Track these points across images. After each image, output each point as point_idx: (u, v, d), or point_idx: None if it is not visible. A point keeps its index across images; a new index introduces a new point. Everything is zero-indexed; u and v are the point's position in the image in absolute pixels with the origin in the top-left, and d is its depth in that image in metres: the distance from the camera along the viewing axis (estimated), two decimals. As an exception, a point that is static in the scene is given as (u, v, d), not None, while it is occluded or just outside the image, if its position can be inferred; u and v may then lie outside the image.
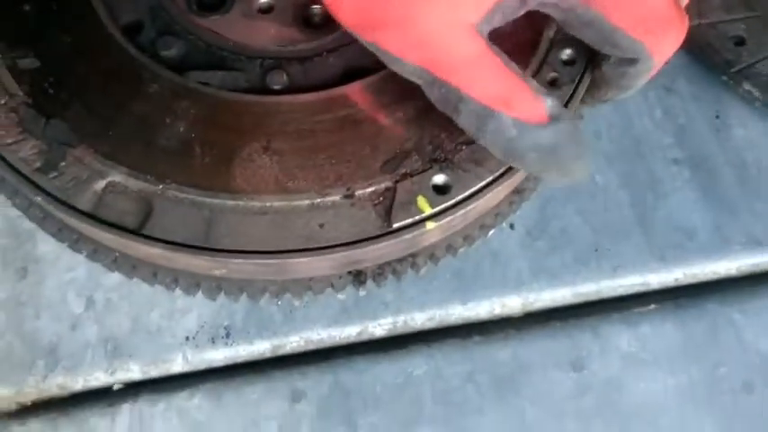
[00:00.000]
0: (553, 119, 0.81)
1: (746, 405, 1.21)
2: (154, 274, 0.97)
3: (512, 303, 1.26)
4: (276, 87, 0.99)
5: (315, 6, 1.05)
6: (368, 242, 0.86)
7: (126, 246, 0.92)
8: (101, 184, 0.86)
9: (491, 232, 1.05)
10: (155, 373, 1.18)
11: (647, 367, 1.22)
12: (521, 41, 0.95)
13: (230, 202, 0.86)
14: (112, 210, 0.85)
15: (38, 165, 0.87)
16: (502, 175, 0.91)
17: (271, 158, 0.90)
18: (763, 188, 1.36)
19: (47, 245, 1.21)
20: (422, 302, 1.24)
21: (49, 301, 1.19)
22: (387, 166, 0.90)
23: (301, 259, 0.86)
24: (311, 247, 0.85)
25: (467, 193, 0.89)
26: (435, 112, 0.87)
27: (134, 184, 0.87)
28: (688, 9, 0.92)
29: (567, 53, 0.97)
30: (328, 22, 1.01)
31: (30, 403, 1.16)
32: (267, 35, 1.04)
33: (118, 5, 1.02)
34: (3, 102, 0.90)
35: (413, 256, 1.00)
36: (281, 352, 1.21)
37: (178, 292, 0.99)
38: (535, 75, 0.95)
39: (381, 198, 0.88)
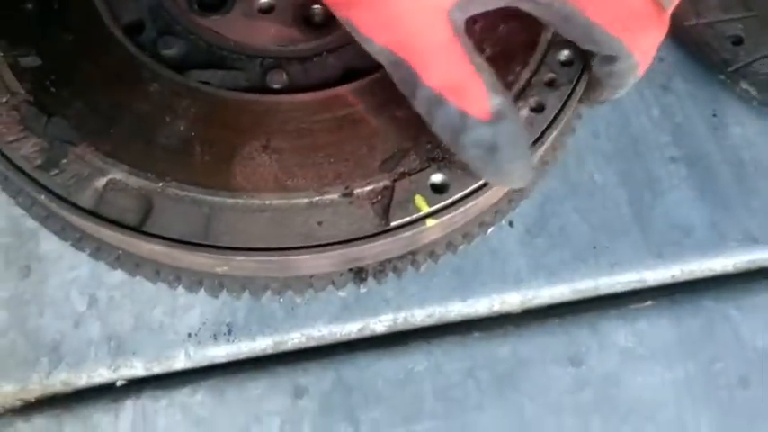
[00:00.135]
0: (496, 117, 0.81)
1: (742, 400, 1.20)
2: (156, 271, 0.97)
3: (511, 300, 1.25)
4: (276, 87, 0.99)
5: (315, 6, 1.04)
6: (366, 240, 0.86)
7: (127, 243, 0.91)
8: (102, 182, 0.86)
9: (490, 230, 1.05)
10: (157, 369, 1.17)
11: (645, 362, 1.21)
12: (519, 43, 0.95)
13: (230, 200, 0.86)
14: (113, 207, 0.85)
15: (39, 162, 0.86)
16: None
17: (270, 157, 0.89)
18: (759, 186, 1.35)
19: (50, 243, 1.20)
20: (422, 299, 1.23)
21: (52, 299, 1.19)
22: (385, 165, 0.90)
23: (300, 257, 0.85)
24: (310, 244, 0.85)
25: (464, 193, 0.89)
26: None
27: (135, 181, 0.86)
28: (679, 8, 0.91)
29: (564, 54, 0.97)
30: (328, 22, 1.02)
31: (34, 400, 1.15)
32: (267, 35, 1.03)
33: (119, 5, 1.01)
34: (4, 100, 0.89)
35: (413, 253, 0.99)
36: (282, 348, 1.21)
37: (180, 289, 0.99)
38: (533, 75, 0.95)
39: (379, 197, 0.88)
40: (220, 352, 1.19)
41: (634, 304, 1.27)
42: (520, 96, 0.94)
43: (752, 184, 1.35)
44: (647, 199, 1.33)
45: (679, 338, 1.23)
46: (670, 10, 0.87)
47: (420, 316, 1.23)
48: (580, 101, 0.99)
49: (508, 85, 0.93)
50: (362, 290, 1.04)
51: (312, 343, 1.21)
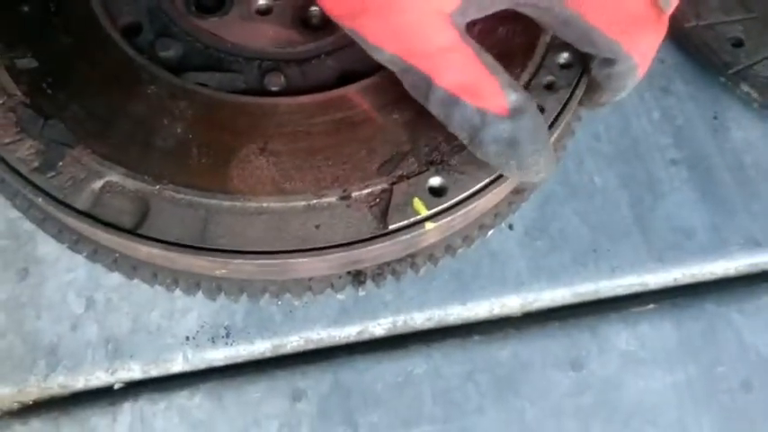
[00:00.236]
0: (514, 112, 0.82)
1: (745, 404, 1.20)
2: (154, 274, 0.97)
3: (511, 303, 1.25)
4: (274, 89, 0.99)
5: (313, 8, 1.04)
6: (363, 243, 0.86)
7: (123, 245, 0.92)
8: (98, 184, 0.86)
9: (490, 233, 1.05)
10: (155, 372, 1.17)
11: (646, 366, 1.21)
12: (518, 45, 0.96)
13: (227, 203, 0.86)
14: (110, 209, 0.85)
15: (36, 164, 0.87)
16: (498, 177, 0.91)
17: (267, 160, 0.89)
18: (761, 189, 1.35)
19: (47, 246, 1.21)
20: (421, 302, 1.23)
21: (49, 302, 1.19)
22: (383, 168, 0.90)
23: (298, 260, 0.85)
24: (307, 247, 0.85)
25: (462, 196, 0.89)
26: (431, 115, 0.88)
27: (131, 184, 0.87)
28: (679, 10, 0.91)
29: (564, 57, 0.97)
30: (326, 25, 1.02)
31: (31, 402, 1.15)
32: (265, 37, 1.04)
33: (116, 7, 1.02)
34: (1, 102, 0.90)
35: (412, 256, 1.00)
36: (281, 351, 1.21)
37: (178, 292, 0.99)
38: (532, 78, 0.96)
39: (377, 200, 0.88)
40: (218, 355, 1.19)
41: (635, 308, 1.26)
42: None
43: (753, 187, 1.35)
44: (647, 201, 1.33)
45: (680, 342, 1.23)
46: (669, 12, 0.88)
47: (419, 319, 1.23)
48: (581, 104, 0.99)
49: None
50: (361, 293, 1.04)
51: (311, 346, 1.21)
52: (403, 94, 0.90)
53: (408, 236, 0.87)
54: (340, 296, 1.09)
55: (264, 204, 0.86)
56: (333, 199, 0.88)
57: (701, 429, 1.18)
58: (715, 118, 1.42)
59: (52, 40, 0.96)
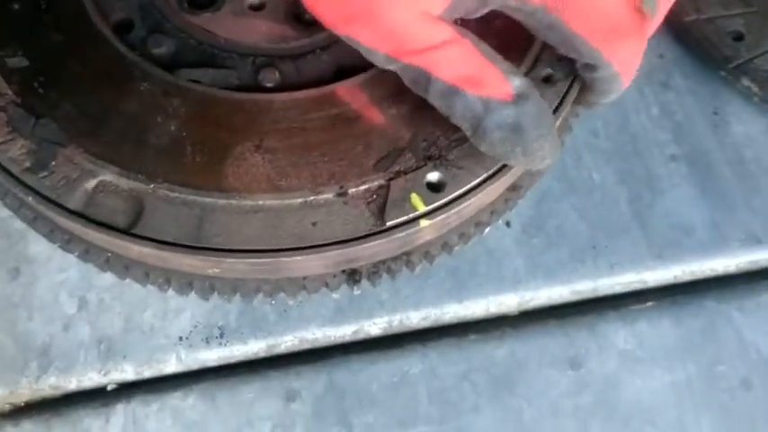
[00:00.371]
0: (518, 98, 0.84)
1: (745, 402, 1.21)
2: (146, 274, 0.97)
3: (508, 301, 1.27)
4: (268, 85, 1.00)
5: (306, 2, 1.05)
6: (361, 240, 0.87)
7: (117, 245, 0.92)
8: (91, 184, 0.87)
9: (486, 230, 1.06)
10: (148, 373, 1.19)
11: (645, 365, 1.23)
12: (515, 38, 0.96)
13: (222, 201, 0.87)
14: (103, 209, 0.86)
15: (27, 164, 0.87)
16: (497, 172, 0.91)
17: (263, 157, 0.90)
18: (761, 184, 1.37)
19: (39, 245, 1.22)
20: (417, 301, 1.24)
21: (41, 302, 1.20)
22: (380, 163, 0.90)
23: (294, 258, 0.86)
24: (304, 245, 0.86)
25: (461, 191, 0.90)
26: (429, 109, 0.89)
27: (125, 183, 0.87)
28: (678, 4, 0.93)
29: (561, 50, 0.98)
30: (319, 20, 1.03)
31: (23, 404, 1.16)
32: (258, 32, 1.04)
33: (107, 3, 1.02)
34: None
35: (407, 254, 1.00)
36: (275, 351, 1.22)
37: (171, 292, 0.99)
38: (530, 71, 0.96)
39: (375, 196, 0.89)
40: (212, 355, 1.20)
41: (634, 305, 1.28)
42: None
43: (754, 183, 1.37)
44: (646, 198, 1.34)
45: (680, 340, 1.25)
46: (655, 18, 0.89)
47: (415, 318, 1.24)
48: (577, 102, 1.00)
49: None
50: (356, 292, 1.05)
51: (305, 346, 1.23)
52: (399, 89, 0.91)
53: (404, 233, 0.87)
54: (335, 295, 1.10)
55: (260, 202, 0.87)
56: (329, 196, 0.88)
57: (700, 428, 1.19)
58: (715, 113, 1.43)
59: (43, 37, 0.96)
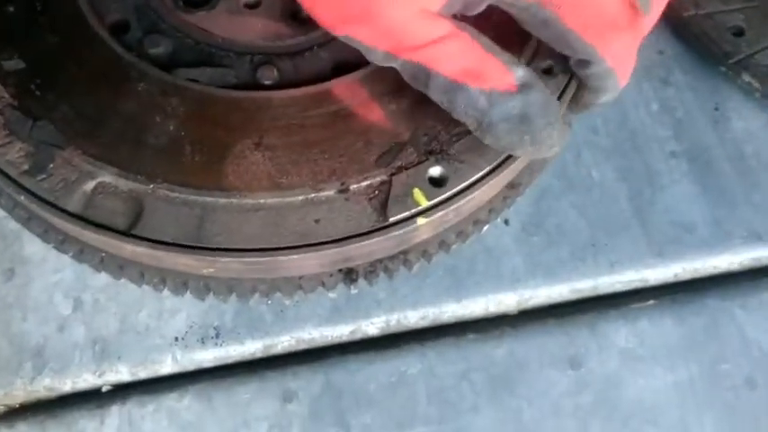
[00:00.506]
0: (523, 88, 0.87)
1: (749, 401, 1.23)
2: (141, 274, 0.99)
3: (507, 300, 1.29)
4: (267, 83, 1.02)
5: (301, 0, 1.07)
6: (364, 237, 0.89)
7: (117, 247, 0.94)
8: (90, 185, 0.89)
9: (485, 228, 1.08)
10: (144, 374, 1.21)
11: (646, 364, 1.25)
12: (515, 29, 0.96)
13: (222, 200, 0.89)
14: (102, 211, 0.88)
15: (26, 167, 0.89)
16: (499, 165, 0.93)
17: (263, 154, 0.92)
18: (762, 179, 1.39)
19: (33, 246, 1.23)
20: (415, 300, 1.26)
21: (36, 303, 1.22)
22: (381, 159, 0.92)
23: (296, 255, 0.88)
24: (307, 243, 0.88)
25: (464, 185, 0.92)
26: (430, 103, 0.91)
27: (124, 184, 0.89)
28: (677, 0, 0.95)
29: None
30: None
31: (17, 405, 1.18)
32: (254, 30, 1.06)
33: (103, 4, 1.04)
34: None
35: (405, 253, 1.02)
36: (272, 352, 1.24)
37: (166, 292, 1.01)
38: (529, 63, 0.98)
39: (376, 192, 0.91)
40: (208, 356, 1.22)
41: (635, 304, 1.30)
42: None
43: (754, 179, 1.39)
44: (646, 195, 1.37)
45: (682, 339, 1.27)
46: (650, 15, 0.92)
47: (413, 318, 1.27)
48: (574, 104, 1.02)
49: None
50: (353, 291, 1.08)
51: (302, 346, 1.25)
52: (398, 84, 0.92)
53: (402, 231, 0.89)
54: (332, 295, 1.12)
55: (261, 200, 0.89)
56: (331, 192, 0.90)
57: (703, 428, 1.21)
58: (716, 109, 1.45)
59: (39, 40, 0.98)
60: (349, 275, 1.01)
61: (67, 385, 1.19)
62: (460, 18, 0.92)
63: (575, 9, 0.89)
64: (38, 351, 1.19)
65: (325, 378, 1.21)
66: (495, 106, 0.86)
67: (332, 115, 0.96)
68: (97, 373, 1.19)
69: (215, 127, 0.94)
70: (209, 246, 0.87)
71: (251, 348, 1.23)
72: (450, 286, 1.28)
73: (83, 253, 0.99)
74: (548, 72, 0.98)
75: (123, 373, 1.20)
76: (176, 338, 1.22)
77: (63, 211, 0.88)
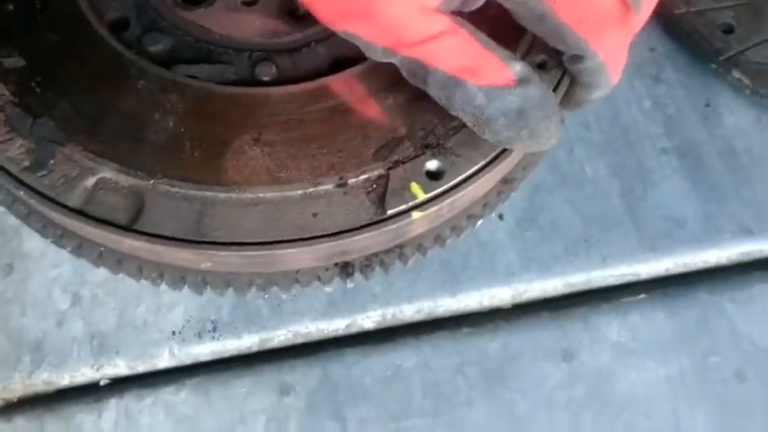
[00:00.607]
0: (521, 82, 0.88)
1: (739, 394, 1.25)
2: (139, 269, 1.00)
3: (501, 294, 1.30)
4: (265, 79, 1.03)
5: (299, -4, 1.08)
6: (363, 230, 0.90)
7: (117, 242, 0.95)
8: (91, 181, 0.90)
9: (479, 223, 1.08)
10: (141, 368, 1.21)
11: (638, 357, 1.26)
12: (509, 24, 0.96)
13: (222, 195, 0.89)
14: (103, 206, 0.89)
15: (26, 164, 0.90)
16: (495, 159, 0.95)
17: (262, 150, 0.93)
18: (753, 176, 1.40)
19: (32, 241, 1.24)
20: (410, 294, 1.27)
21: (34, 298, 1.23)
22: (379, 153, 0.93)
23: (295, 249, 0.89)
24: (306, 236, 0.89)
25: (460, 178, 0.93)
26: (426, 98, 0.92)
27: (125, 179, 0.90)
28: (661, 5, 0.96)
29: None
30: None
31: (16, 400, 1.19)
32: (252, 27, 1.07)
33: (103, 2, 1.05)
34: None
35: (400, 247, 1.03)
36: (268, 346, 1.25)
37: (164, 286, 1.01)
38: (524, 57, 0.98)
39: (374, 185, 0.92)
40: (205, 350, 1.23)
41: (627, 298, 1.31)
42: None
43: (745, 174, 1.40)
44: (638, 191, 1.38)
45: (673, 332, 1.28)
46: (642, 12, 0.93)
47: (409, 311, 1.28)
48: (561, 105, 1.01)
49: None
50: (349, 285, 1.07)
51: (299, 340, 1.26)
52: (395, 79, 0.93)
53: (397, 224, 0.90)
54: (328, 289, 1.11)
55: (260, 195, 0.89)
56: (329, 186, 0.91)
57: (694, 420, 1.23)
58: (707, 105, 1.47)
59: (38, 38, 0.99)
60: (345, 269, 1.02)
61: (65, 379, 1.20)
62: (457, 14, 0.93)
63: (570, 4, 0.90)
64: (36, 345, 1.20)
65: (322, 371, 1.22)
66: (493, 101, 0.87)
67: (330, 110, 0.97)
68: (95, 367, 1.20)
69: (214, 123, 0.95)
70: (210, 240, 0.88)
71: (248, 342, 1.24)
72: (445, 280, 1.29)
73: (81, 248, 0.99)
74: (542, 67, 0.99)
75: (121, 367, 1.21)
76: (174, 332, 1.22)
77: (64, 206, 0.88)
